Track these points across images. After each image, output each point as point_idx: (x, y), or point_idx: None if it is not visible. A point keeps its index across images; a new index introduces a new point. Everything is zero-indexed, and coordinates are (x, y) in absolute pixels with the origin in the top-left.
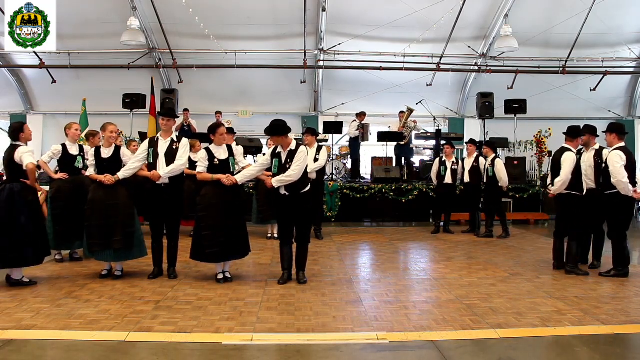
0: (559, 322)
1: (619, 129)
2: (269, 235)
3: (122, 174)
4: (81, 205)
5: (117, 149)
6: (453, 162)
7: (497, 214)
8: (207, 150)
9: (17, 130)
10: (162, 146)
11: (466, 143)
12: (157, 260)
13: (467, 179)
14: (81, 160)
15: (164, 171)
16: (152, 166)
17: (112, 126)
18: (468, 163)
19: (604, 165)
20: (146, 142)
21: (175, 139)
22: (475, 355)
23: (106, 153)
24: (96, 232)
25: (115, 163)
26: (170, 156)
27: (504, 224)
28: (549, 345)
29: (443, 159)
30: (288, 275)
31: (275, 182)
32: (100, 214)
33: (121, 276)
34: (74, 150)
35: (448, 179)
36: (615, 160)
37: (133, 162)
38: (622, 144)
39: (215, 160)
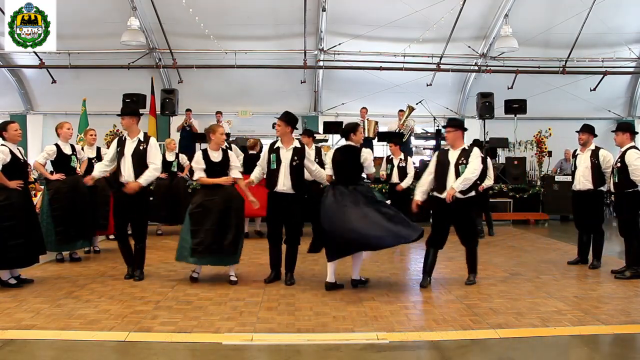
0: (559, 322)
1: (630, 129)
2: None
3: (96, 173)
4: (80, 204)
5: (225, 151)
6: (400, 159)
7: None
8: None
9: (0, 130)
10: (129, 146)
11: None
12: (128, 260)
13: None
14: (75, 160)
15: (143, 179)
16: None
17: (221, 128)
18: None
19: (619, 164)
20: (115, 141)
21: (142, 139)
22: (475, 355)
23: (215, 157)
24: (208, 235)
25: (225, 166)
26: (137, 156)
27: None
28: (549, 345)
29: (390, 157)
30: (275, 275)
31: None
32: (214, 218)
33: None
34: (67, 149)
35: (395, 179)
36: (636, 158)
37: (105, 162)
38: (633, 143)
39: None
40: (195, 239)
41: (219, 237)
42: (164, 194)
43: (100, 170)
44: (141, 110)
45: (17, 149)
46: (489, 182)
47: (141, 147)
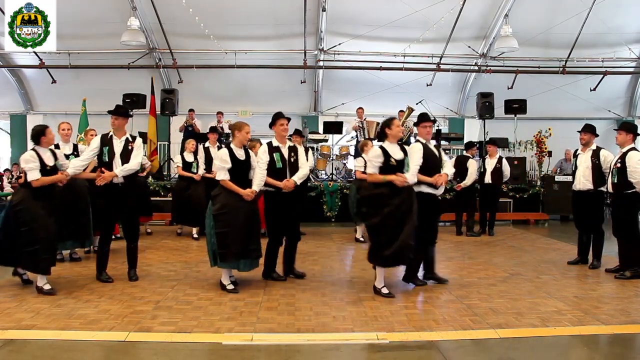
0: (559, 322)
1: (634, 130)
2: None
3: (71, 170)
4: (75, 204)
5: (247, 150)
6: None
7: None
8: (383, 149)
9: (38, 135)
10: (118, 145)
11: (487, 144)
12: (102, 264)
13: (488, 179)
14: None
15: (119, 170)
16: (107, 165)
17: (247, 127)
18: (491, 164)
19: (619, 164)
20: (98, 139)
21: (130, 138)
22: (475, 355)
23: (240, 154)
24: (235, 240)
25: (248, 165)
26: (126, 156)
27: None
28: (549, 345)
29: None
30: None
31: (298, 180)
32: (240, 220)
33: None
34: (66, 149)
35: None
36: (637, 160)
37: (82, 158)
38: (634, 145)
39: (392, 160)
40: (222, 244)
41: (246, 241)
42: (184, 196)
43: (75, 166)
44: (141, 110)
45: (50, 149)
46: (468, 180)
47: (129, 147)
